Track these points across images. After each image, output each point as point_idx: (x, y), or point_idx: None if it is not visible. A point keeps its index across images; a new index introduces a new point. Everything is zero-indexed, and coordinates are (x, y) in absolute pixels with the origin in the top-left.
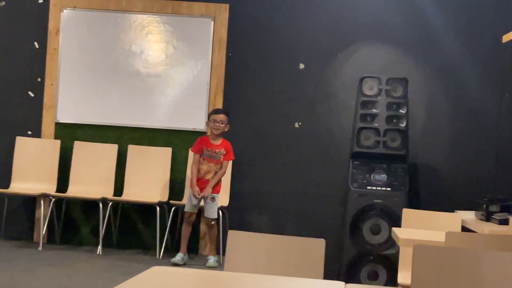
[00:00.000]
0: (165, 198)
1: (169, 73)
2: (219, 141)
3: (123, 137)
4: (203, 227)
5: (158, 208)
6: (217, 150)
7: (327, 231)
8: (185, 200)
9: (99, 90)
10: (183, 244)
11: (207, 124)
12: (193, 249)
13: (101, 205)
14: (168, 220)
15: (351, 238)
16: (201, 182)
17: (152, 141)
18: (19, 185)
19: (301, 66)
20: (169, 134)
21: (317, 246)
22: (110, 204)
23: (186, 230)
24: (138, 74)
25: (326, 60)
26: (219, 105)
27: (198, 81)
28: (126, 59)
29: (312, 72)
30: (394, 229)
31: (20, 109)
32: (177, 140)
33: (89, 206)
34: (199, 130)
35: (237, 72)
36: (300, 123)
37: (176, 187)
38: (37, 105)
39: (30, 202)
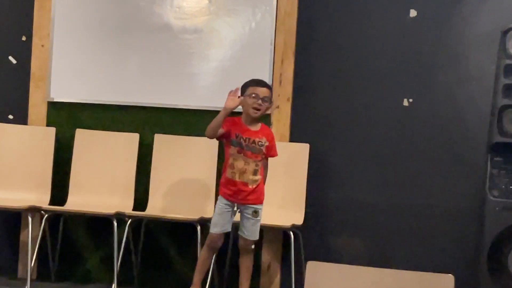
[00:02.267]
0: (209, 212)
1: (214, 26)
2: (257, 126)
3: (147, 122)
4: (245, 261)
5: (199, 228)
6: (258, 140)
7: (453, 263)
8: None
9: (111, 54)
10: (198, 279)
11: (241, 100)
12: None
13: (115, 224)
14: (229, 247)
15: (491, 273)
16: (236, 188)
17: (189, 129)
18: None
19: (413, 13)
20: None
21: (442, 285)
22: (128, 222)
23: (206, 259)
24: (167, 30)
25: (450, 3)
26: (289, 74)
27: (257, 38)
28: (149, 7)
29: (429, 22)
30: None
31: None
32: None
33: (99, 225)
34: None
35: (316, 25)
36: (411, 100)
37: None
38: (21, 76)
39: (12, 219)
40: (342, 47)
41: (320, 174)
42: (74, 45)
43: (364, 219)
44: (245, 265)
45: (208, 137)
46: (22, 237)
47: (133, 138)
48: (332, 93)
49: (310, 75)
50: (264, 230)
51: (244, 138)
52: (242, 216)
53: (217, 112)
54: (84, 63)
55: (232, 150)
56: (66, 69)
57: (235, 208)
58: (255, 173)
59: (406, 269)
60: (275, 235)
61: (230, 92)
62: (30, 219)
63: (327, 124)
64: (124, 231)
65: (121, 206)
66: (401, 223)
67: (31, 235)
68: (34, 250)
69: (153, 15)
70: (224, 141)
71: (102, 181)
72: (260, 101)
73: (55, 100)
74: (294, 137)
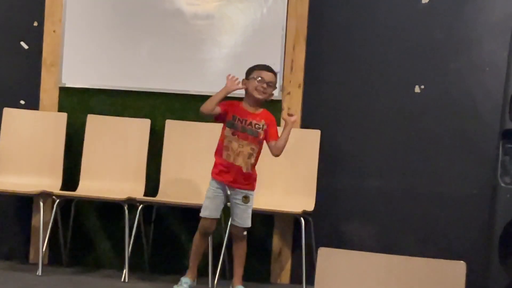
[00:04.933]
0: None
1: (226, 12)
2: (258, 110)
3: (159, 108)
4: (238, 249)
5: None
6: (255, 122)
7: (464, 250)
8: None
9: (123, 40)
10: (193, 265)
11: (244, 83)
12: (263, 275)
13: (126, 210)
14: (225, 233)
15: (502, 261)
16: (230, 171)
17: (200, 115)
18: (8, 180)
19: None
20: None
21: (454, 272)
22: (140, 207)
23: (200, 245)
24: (179, 15)
25: None
26: (300, 60)
27: (268, 24)
28: None
29: (441, 9)
30: None
31: (8, 68)
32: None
33: (110, 210)
34: (272, 98)
35: (328, 11)
36: (422, 87)
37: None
38: (33, 61)
39: (23, 204)
40: (354, 33)
41: (331, 160)
42: (86, 30)
43: (375, 205)
44: (238, 252)
45: (203, 113)
46: (33, 222)
47: (144, 124)
48: (343, 79)
49: (321, 61)
50: (275, 216)
51: (241, 120)
52: (232, 204)
53: (229, 97)
54: (95, 49)
55: (227, 131)
56: (78, 55)
57: (228, 192)
58: (249, 156)
59: (417, 256)
60: (286, 222)
61: (229, 75)
62: (41, 204)
63: (338, 111)
64: (135, 217)
65: (132, 191)
66: (412, 210)
67: (42, 220)
68: (46, 235)
69: (165, 1)
70: (221, 122)
71: (113, 167)
72: (265, 85)
73: (66, 85)
74: (305, 123)
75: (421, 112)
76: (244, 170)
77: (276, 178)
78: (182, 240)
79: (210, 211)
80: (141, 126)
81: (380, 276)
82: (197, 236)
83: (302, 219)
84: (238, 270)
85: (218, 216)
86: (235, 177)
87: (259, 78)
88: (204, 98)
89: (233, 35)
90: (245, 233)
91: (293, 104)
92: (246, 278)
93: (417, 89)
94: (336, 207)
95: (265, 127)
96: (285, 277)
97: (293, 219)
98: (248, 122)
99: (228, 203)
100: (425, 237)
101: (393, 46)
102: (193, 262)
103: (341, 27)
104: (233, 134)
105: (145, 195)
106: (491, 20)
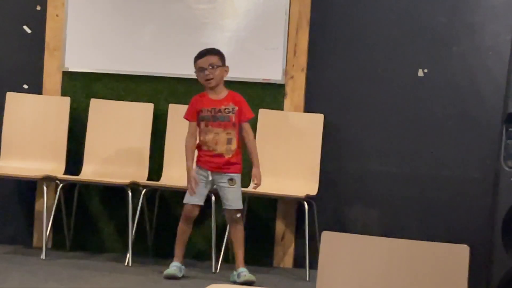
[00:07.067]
0: None
1: None
2: (223, 94)
3: (162, 92)
4: (235, 232)
5: (213, 199)
6: (223, 107)
7: (467, 233)
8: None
9: (126, 24)
10: (179, 251)
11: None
12: (266, 259)
13: (130, 194)
14: None
15: (505, 244)
16: (212, 159)
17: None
18: (11, 164)
19: None
20: (230, 88)
21: (457, 256)
22: (143, 192)
23: (184, 231)
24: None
25: None
26: (303, 44)
27: (271, 8)
28: None
29: None
30: None
31: (11, 52)
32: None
33: (113, 194)
34: (274, 82)
35: None
36: (426, 70)
37: (244, 167)
38: (36, 46)
39: (27, 188)
40: (357, 17)
41: (334, 144)
42: (89, 14)
43: (378, 189)
44: (236, 236)
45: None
46: (37, 207)
47: (147, 108)
48: (346, 63)
49: (324, 45)
50: (278, 200)
51: (209, 109)
52: (219, 188)
53: (233, 81)
54: (98, 33)
55: (201, 126)
56: (81, 39)
57: (210, 178)
58: (229, 142)
59: (420, 240)
60: (289, 206)
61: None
62: (45, 188)
63: (342, 95)
64: (138, 201)
65: (136, 175)
66: (415, 194)
67: (46, 205)
68: (49, 219)
69: None
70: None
71: (116, 151)
72: (206, 72)
73: (69, 69)
74: (309, 108)
75: (424, 96)
76: (226, 157)
77: (279, 162)
78: None
79: (192, 197)
80: (144, 110)
81: (383, 260)
82: (181, 223)
83: (305, 203)
84: (239, 253)
85: (201, 203)
86: (218, 163)
87: (198, 69)
88: None
89: (236, 19)
90: (238, 215)
91: (296, 88)
92: (249, 262)
93: (420, 73)
94: (339, 191)
95: (236, 109)
96: (288, 261)
97: (297, 203)
98: (217, 109)
99: (214, 185)
100: (428, 220)
101: (397, 29)
102: (179, 248)
103: (344, 10)
104: (206, 125)
105: (148, 179)
106: (495, 3)
